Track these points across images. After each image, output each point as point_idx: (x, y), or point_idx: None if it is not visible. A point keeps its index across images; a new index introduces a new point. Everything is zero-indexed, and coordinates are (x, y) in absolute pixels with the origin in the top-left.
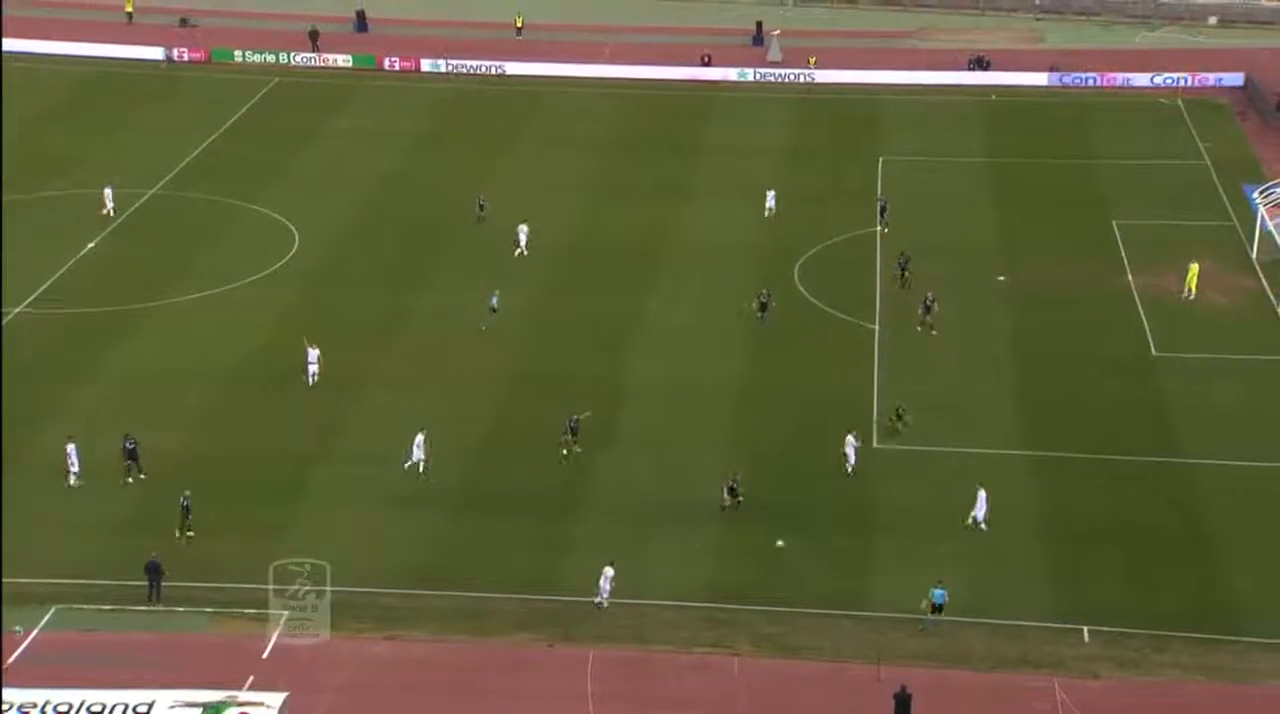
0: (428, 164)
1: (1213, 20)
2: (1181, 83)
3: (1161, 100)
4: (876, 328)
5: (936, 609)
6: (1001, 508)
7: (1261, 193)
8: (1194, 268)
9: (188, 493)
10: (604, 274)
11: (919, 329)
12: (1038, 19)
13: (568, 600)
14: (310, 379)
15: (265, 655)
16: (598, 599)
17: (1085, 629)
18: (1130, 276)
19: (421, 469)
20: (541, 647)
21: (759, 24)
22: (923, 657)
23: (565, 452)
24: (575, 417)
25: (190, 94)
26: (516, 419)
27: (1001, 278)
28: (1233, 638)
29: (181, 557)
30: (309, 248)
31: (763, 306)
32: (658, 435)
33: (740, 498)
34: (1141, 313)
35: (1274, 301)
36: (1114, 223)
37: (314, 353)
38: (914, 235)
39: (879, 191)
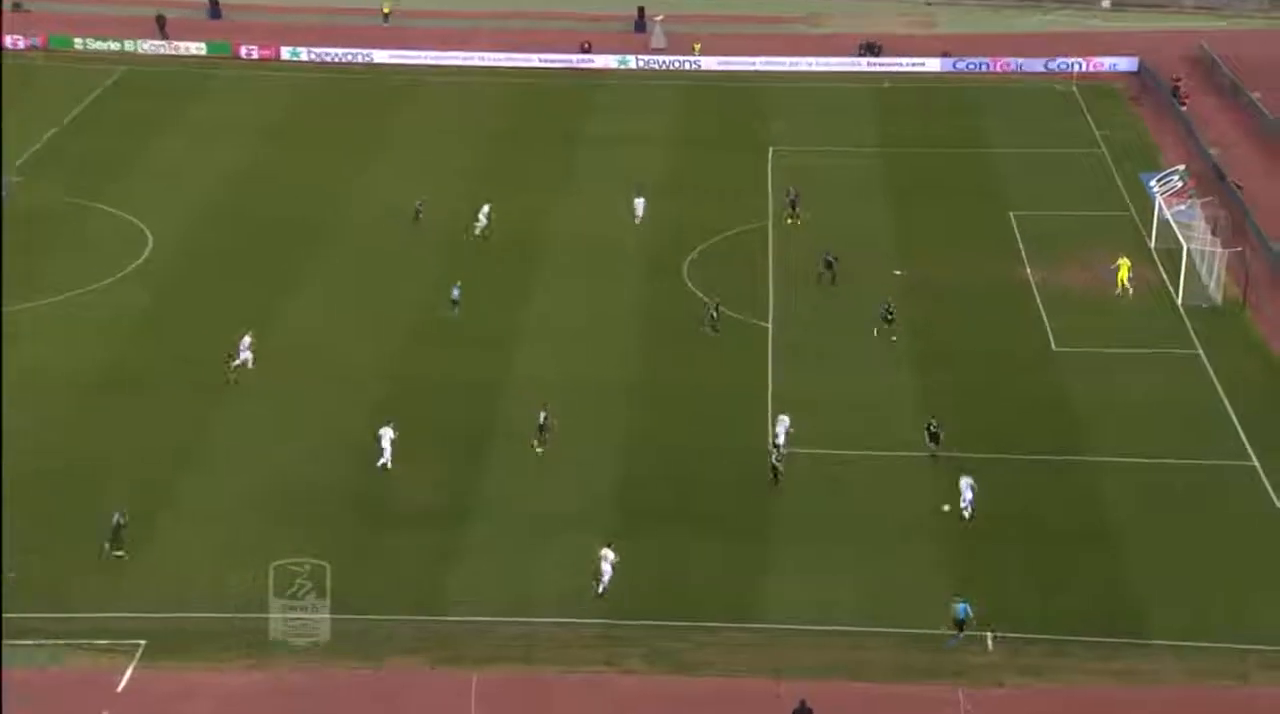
0: (291, 158)
1: (1106, 3)
2: (1076, 68)
3: (1056, 86)
4: (770, 326)
5: (959, 625)
6: (902, 512)
7: (1158, 180)
8: (1124, 263)
9: (124, 509)
10: (484, 271)
11: (880, 335)
12: (929, 3)
13: (453, 620)
14: (240, 367)
15: (120, 689)
16: (599, 587)
17: (989, 635)
18: (1029, 269)
19: (388, 464)
20: (423, 670)
21: (641, 9)
22: (823, 670)
23: (539, 449)
24: (544, 413)
25: (27, 85)
26: (400, 424)
27: (898, 272)
28: (1140, 640)
29: (31, 584)
30: (163, 248)
31: (713, 320)
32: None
33: None
34: (1041, 307)
35: (1172, 292)
36: (1011, 214)
37: (246, 341)
38: (805, 229)
39: (770, 183)
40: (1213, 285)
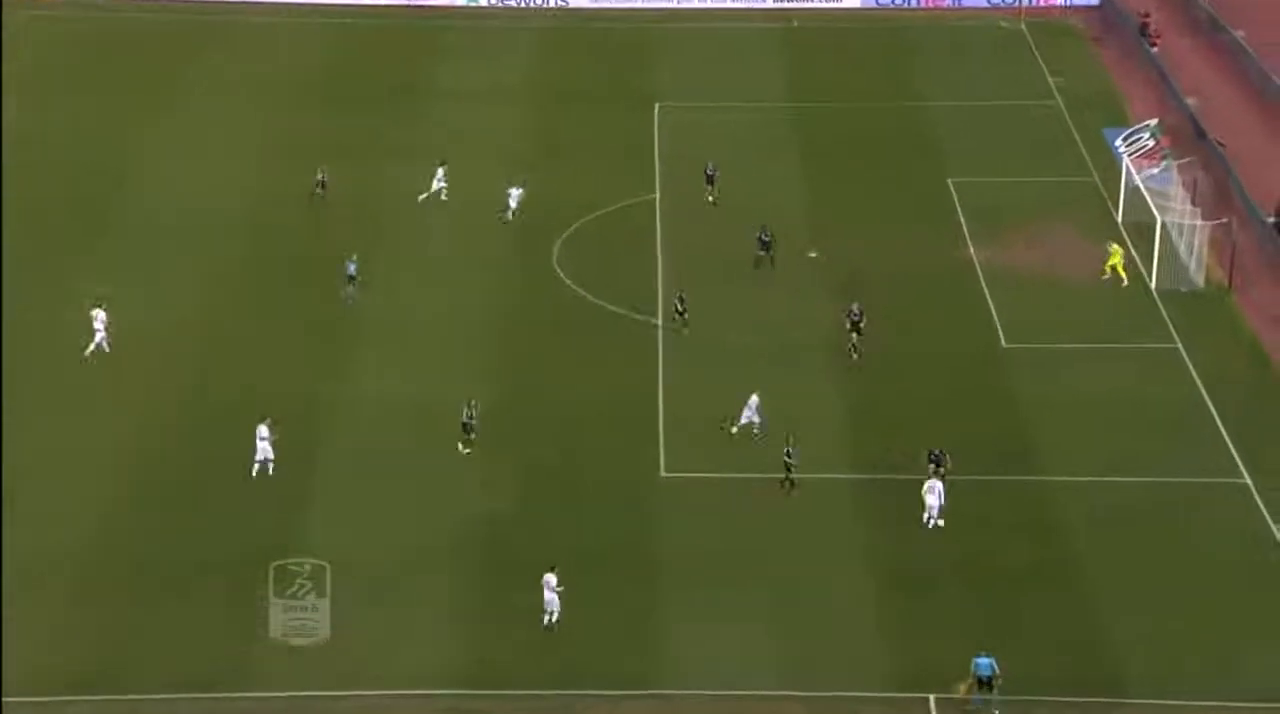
0: (51, 118)
1: None
2: (1025, 1)
3: (1001, 24)
4: (661, 322)
5: (985, 684)
6: (824, 548)
7: (1126, 139)
8: (1116, 251)
9: None
10: (291, 263)
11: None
12: None
13: (260, 697)
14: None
15: None
16: (546, 618)
17: (931, 699)
18: (972, 249)
19: (269, 470)
20: None
21: None
22: None
23: (465, 450)
24: (468, 410)
25: None
26: (191, 457)
27: (813, 254)
28: (1112, 699)
29: None
30: None
31: (679, 312)
32: (384, 466)
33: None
34: (987, 294)
35: (1145, 274)
36: (949, 181)
37: (100, 314)
38: (698, 201)
39: (656, 146)
40: (1193, 265)
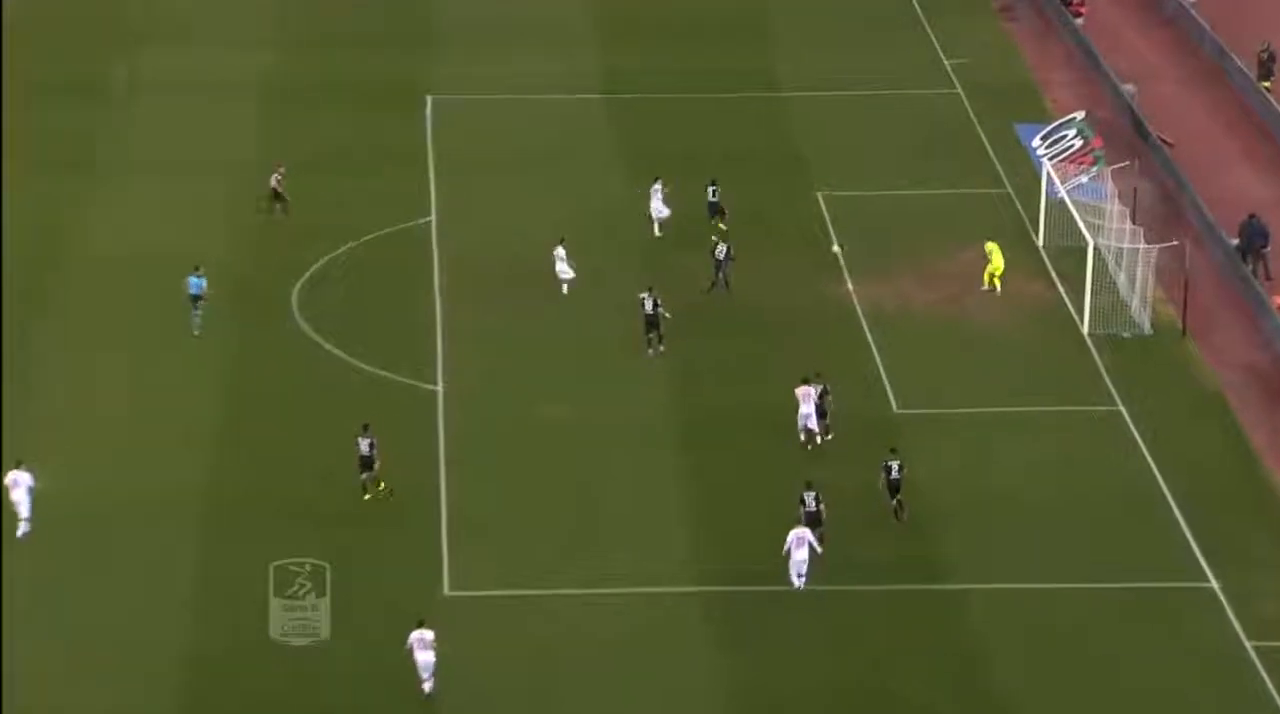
0: None
1: None
2: None
3: None
4: (440, 388)
5: None
6: (668, 683)
7: (1046, 139)
8: (994, 250)
9: None
10: None
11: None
12: None
13: None
14: None
15: None
16: (422, 687)
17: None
18: (850, 284)
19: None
20: None
21: None
22: None
23: (381, 488)
24: (367, 441)
25: None
26: None
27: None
28: None
29: None
30: None
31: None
32: (58, 580)
33: None
34: (871, 343)
35: (1074, 313)
36: (818, 196)
37: None
38: (488, 223)
39: (430, 152)
40: (1136, 302)
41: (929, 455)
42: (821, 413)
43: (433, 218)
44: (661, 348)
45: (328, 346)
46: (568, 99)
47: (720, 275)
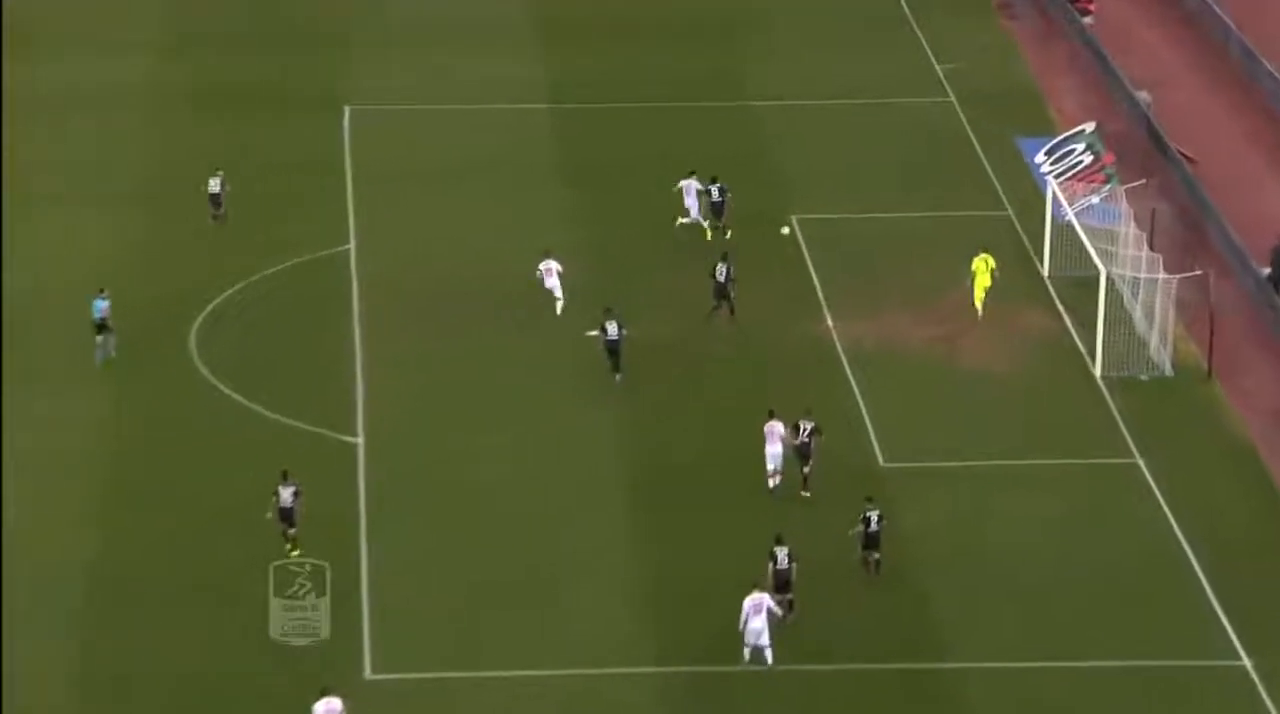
0: None
1: None
2: None
3: None
4: (361, 441)
5: None
6: None
7: (1051, 154)
8: (983, 264)
9: None
10: None
11: None
12: None
13: None
14: None
15: None
16: None
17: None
18: (830, 320)
19: None
20: None
21: None
22: None
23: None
24: (290, 491)
25: None
26: None
27: (786, 230)
28: None
29: None
30: None
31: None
32: None
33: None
34: (855, 388)
35: (1085, 353)
36: (794, 218)
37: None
38: (415, 249)
39: (348, 168)
40: (1155, 339)
41: (919, 514)
42: (806, 455)
43: (351, 244)
44: (619, 377)
45: (229, 391)
46: (506, 109)
47: (720, 301)
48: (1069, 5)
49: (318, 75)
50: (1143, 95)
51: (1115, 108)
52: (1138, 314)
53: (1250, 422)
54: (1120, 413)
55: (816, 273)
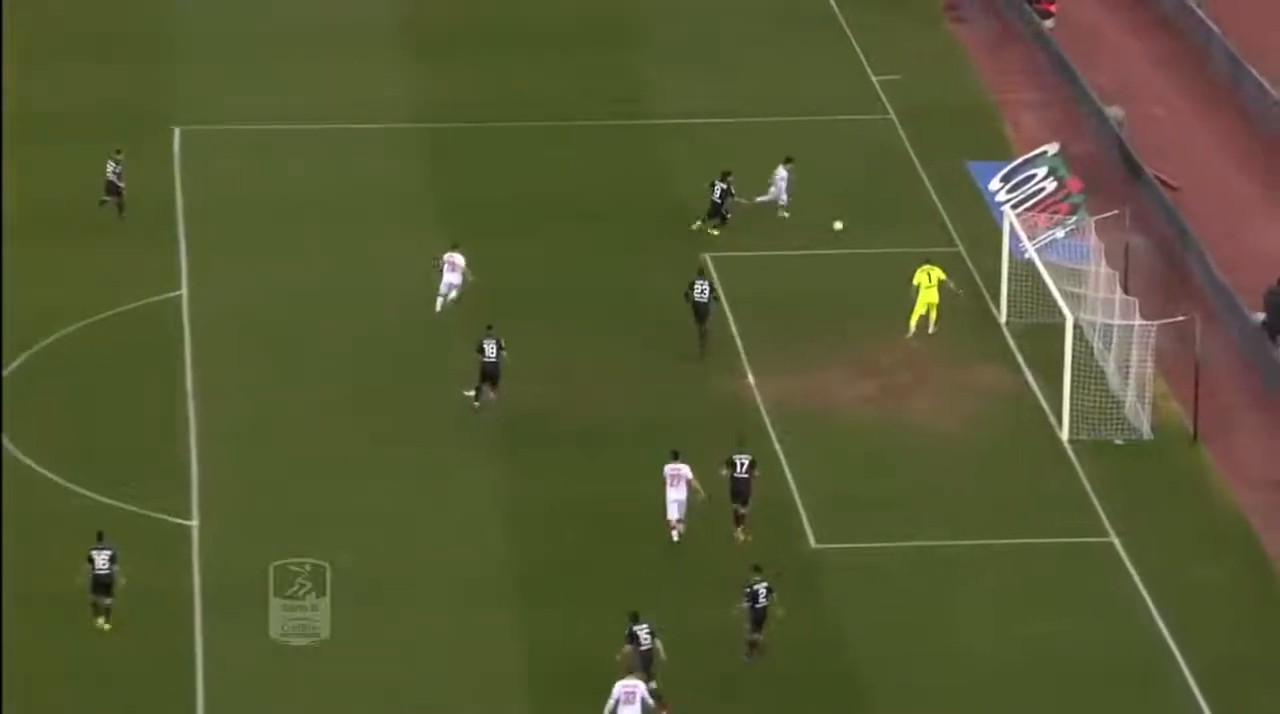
0: None
1: None
2: None
3: None
4: (195, 523)
5: None
6: None
7: (1007, 180)
8: (928, 276)
9: None
10: None
11: None
12: None
13: None
14: None
15: None
16: None
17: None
18: (751, 376)
19: None
20: None
21: None
22: None
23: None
24: (104, 554)
25: None
26: None
27: (839, 225)
28: None
29: None
30: None
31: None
32: None
33: None
34: (780, 455)
35: (1050, 414)
36: (707, 258)
37: None
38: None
39: (179, 198)
40: (1131, 397)
41: (856, 604)
42: (743, 494)
43: (183, 290)
44: (494, 396)
45: (43, 470)
46: (368, 129)
47: (702, 325)
48: (1026, 5)
49: (139, 91)
50: (1114, 111)
51: (1082, 125)
52: (1110, 367)
53: (1241, 492)
54: (1091, 483)
55: (734, 320)
